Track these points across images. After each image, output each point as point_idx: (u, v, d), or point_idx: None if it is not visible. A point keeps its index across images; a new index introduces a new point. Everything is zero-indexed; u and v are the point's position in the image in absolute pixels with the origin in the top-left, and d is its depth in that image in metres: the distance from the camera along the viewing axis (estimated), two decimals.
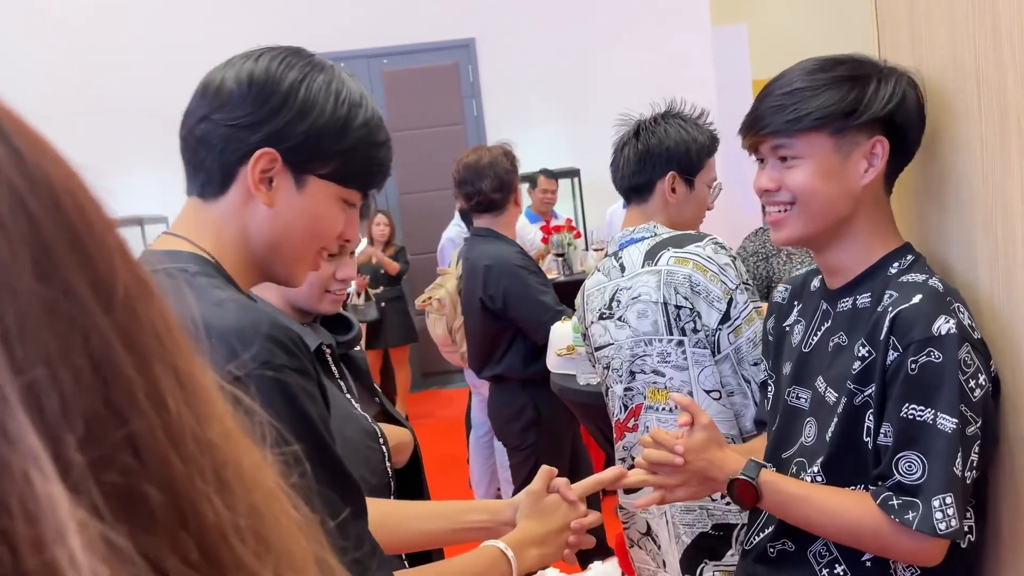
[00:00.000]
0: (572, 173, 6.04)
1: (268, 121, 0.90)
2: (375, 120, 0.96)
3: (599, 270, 1.83)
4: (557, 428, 2.78)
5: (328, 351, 1.40)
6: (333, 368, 1.39)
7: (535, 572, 1.21)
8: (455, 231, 4.81)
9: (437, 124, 6.39)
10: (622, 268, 1.75)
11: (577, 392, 2.49)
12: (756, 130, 1.19)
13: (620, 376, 1.73)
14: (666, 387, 1.66)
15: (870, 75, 1.16)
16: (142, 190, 5.54)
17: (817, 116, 1.13)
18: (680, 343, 1.64)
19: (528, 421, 2.76)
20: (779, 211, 1.21)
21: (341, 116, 0.92)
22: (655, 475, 1.26)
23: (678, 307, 1.63)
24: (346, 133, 0.93)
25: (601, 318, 1.77)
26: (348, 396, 1.39)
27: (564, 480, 1.18)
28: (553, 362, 2.64)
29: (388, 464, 1.36)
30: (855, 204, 1.17)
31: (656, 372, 1.68)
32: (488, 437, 3.67)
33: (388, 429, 1.48)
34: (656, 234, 1.73)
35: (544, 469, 1.18)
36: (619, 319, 1.72)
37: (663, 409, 1.68)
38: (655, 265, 1.67)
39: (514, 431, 2.83)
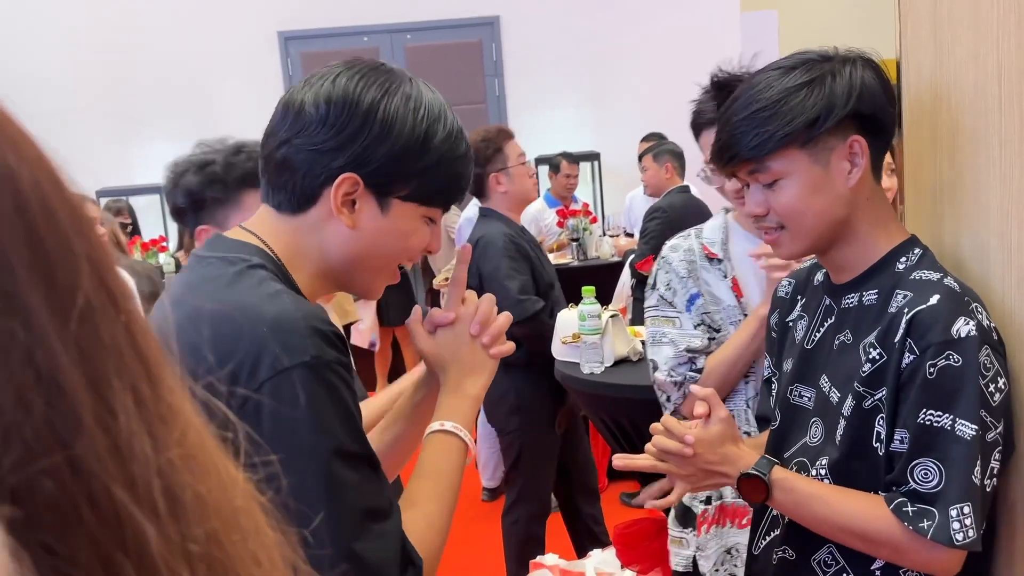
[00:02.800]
0: (592, 157, 6.00)
1: (349, 145, 0.90)
2: (455, 133, 0.96)
3: None
4: (541, 414, 2.75)
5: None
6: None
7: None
8: (473, 211, 4.79)
9: (459, 103, 6.35)
10: None
11: (581, 381, 2.47)
12: (725, 160, 1.17)
13: None
14: None
15: (824, 75, 1.11)
16: (163, 159, 5.56)
17: (782, 135, 1.10)
18: None
19: (510, 406, 2.75)
20: (772, 232, 1.19)
21: (421, 133, 0.92)
22: (663, 462, 1.24)
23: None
24: (427, 150, 0.93)
25: None
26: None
27: (435, 309, 1.08)
28: (558, 350, 2.63)
29: None
30: (849, 206, 1.14)
31: None
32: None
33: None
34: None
35: (413, 317, 1.07)
36: None
37: None
38: None
39: (499, 415, 2.83)
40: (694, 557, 1.63)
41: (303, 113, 0.90)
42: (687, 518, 1.65)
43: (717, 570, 1.61)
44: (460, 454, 1.01)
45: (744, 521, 1.58)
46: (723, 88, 1.54)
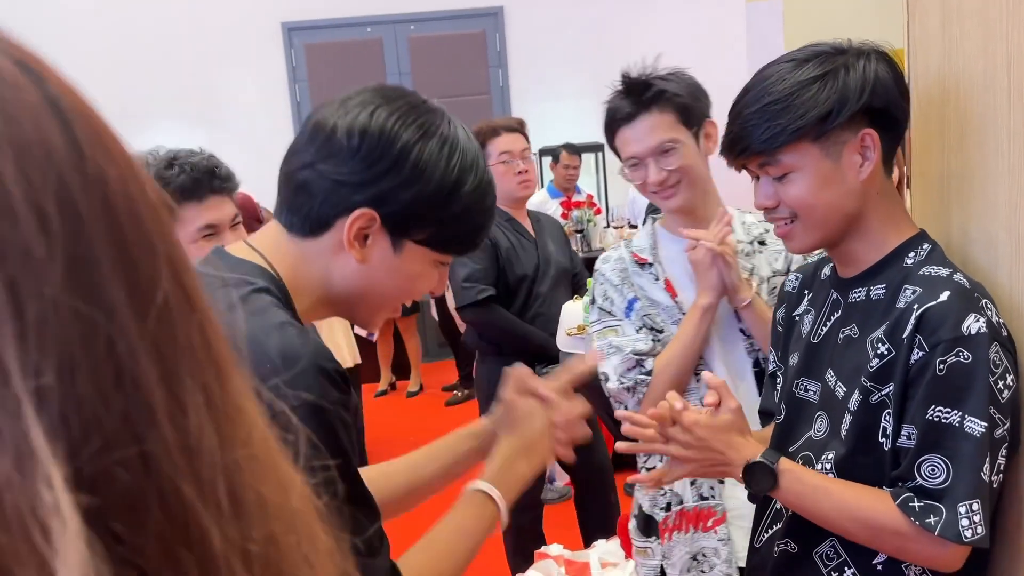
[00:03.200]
0: (596, 148, 5.98)
1: (375, 183, 0.87)
2: (484, 185, 0.92)
3: None
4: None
5: None
6: None
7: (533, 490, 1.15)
8: None
9: (462, 93, 6.34)
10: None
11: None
12: (736, 152, 1.16)
13: None
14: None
15: (837, 68, 1.10)
16: (169, 142, 5.55)
17: (793, 129, 1.09)
18: None
19: (485, 395, 2.76)
20: (783, 225, 1.18)
21: (450, 183, 0.89)
22: (667, 446, 1.24)
23: None
24: (453, 200, 0.90)
25: None
26: None
27: (535, 378, 1.11)
28: (563, 341, 2.64)
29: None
30: (860, 200, 1.14)
31: None
32: None
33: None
34: None
35: (510, 373, 1.11)
36: None
37: None
38: None
39: (482, 404, 2.86)
40: (661, 566, 1.63)
41: (333, 140, 0.87)
42: (649, 527, 1.65)
43: None
44: (491, 523, 1.00)
45: (710, 524, 1.58)
46: (634, 88, 1.55)
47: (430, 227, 0.90)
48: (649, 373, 1.59)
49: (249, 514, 0.31)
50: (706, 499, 1.59)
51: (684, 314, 1.60)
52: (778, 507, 1.26)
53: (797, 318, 1.32)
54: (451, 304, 3.49)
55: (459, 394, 5.43)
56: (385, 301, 0.95)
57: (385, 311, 0.98)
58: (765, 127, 1.11)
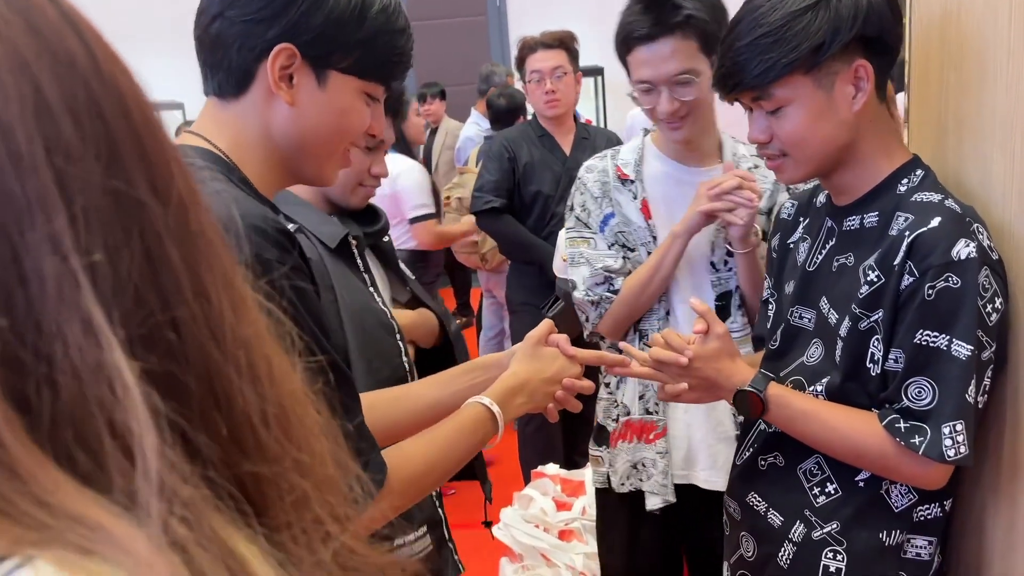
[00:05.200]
0: (596, 72, 5.87)
1: (283, 14, 0.87)
2: (392, 6, 0.94)
3: None
4: (534, 312, 2.79)
5: (354, 242, 1.43)
6: (358, 260, 1.44)
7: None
8: (473, 129, 4.72)
9: (459, 15, 6.19)
10: None
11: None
12: (729, 87, 1.14)
13: None
14: None
15: None
16: (157, 76, 5.43)
17: (786, 61, 1.07)
18: None
19: (497, 305, 2.92)
20: (774, 159, 1.17)
21: (357, 4, 0.90)
22: (660, 373, 1.26)
23: None
24: (364, 21, 0.91)
25: None
26: (371, 289, 1.43)
27: (564, 336, 1.18)
28: (559, 266, 2.65)
29: (405, 359, 1.41)
30: (853, 131, 1.12)
31: None
32: (498, 339, 3.71)
33: (416, 314, 1.53)
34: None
35: (545, 322, 1.18)
36: None
37: None
38: None
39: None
40: (607, 474, 1.68)
41: None
42: (601, 436, 1.69)
43: (623, 484, 1.65)
44: (487, 435, 1.05)
45: (652, 436, 1.62)
46: (657, 5, 1.45)
47: (350, 52, 0.91)
48: (616, 292, 1.59)
49: (263, 382, 0.35)
50: (651, 414, 1.63)
51: (655, 237, 1.59)
52: (763, 427, 1.29)
53: (792, 245, 1.32)
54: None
55: (457, 322, 5.47)
56: (325, 146, 0.94)
57: (332, 161, 0.97)
58: (757, 61, 1.09)
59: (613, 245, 1.61)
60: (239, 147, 0.92)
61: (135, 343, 0.31)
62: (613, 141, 2.84)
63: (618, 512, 1.70)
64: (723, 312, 1.55)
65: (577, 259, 1.63)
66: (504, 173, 2.77)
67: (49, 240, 0.29)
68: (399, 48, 0.95)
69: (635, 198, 1.60)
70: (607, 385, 1.69)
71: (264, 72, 0.89)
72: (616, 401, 1.66)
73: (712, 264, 1.59)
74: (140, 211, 0.32)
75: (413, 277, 1.63)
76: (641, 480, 1.64)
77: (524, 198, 2.79)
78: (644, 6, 1.46)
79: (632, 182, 1.61)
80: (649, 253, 1.59)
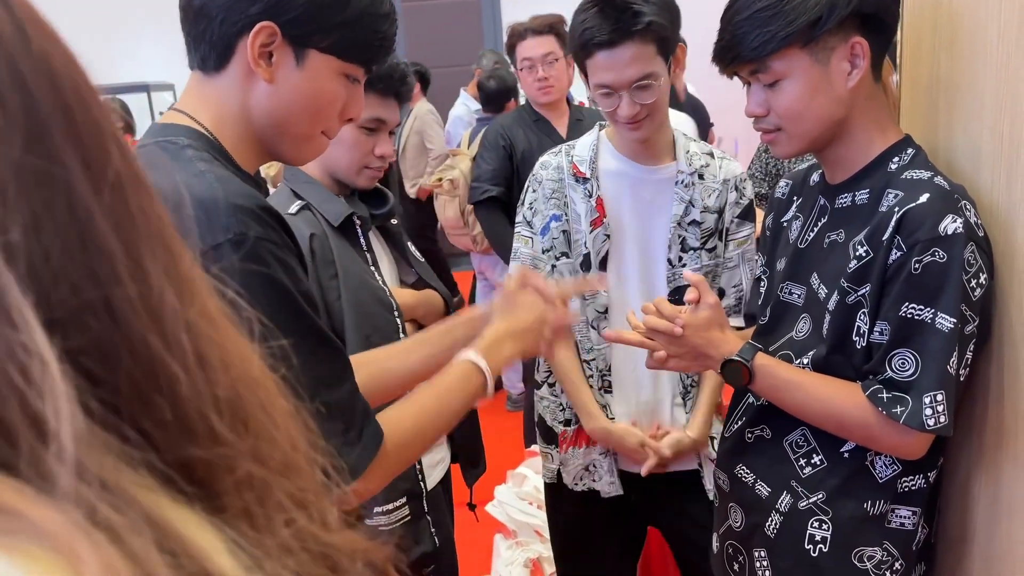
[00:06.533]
0: None
1: None
2: None
3: None
4: None
5: (358, 222, 1.45)
6: (361, 239, 1.45)
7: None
8: (462, 110, 4.72)
9: None
10: None
11: None
12: (727, 60, 1.16)
13: None
14: None
15: None
16: (149, 56, 5.42)
17: (784, 35, 1.09)
18: None
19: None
20: (770, 133, 1.19)
21: None
22: (651, 340, 1.28)
23: None
24: (347, 3, 0.91)
25: None
26: (372, 268, 1.45)
27: (540, 275, 1.19)
28: None
29: (402, 335, 1.43)
30: (847, 107, 1.14)
31: None
32: None
33: (420, 294, 1.56)
34: None
35: (519, 268, 1.17)
36: None
37: None
38: None
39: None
40: (558, 470, 1.73)
41: None
42: (550, 436, 1.74)
43: (576, 484, 1.70)
44: (476, 392, 1.03)
45: (595, 440, 1.67)
46: (615, 11, 1.43)
47: (330, 32, 0.91)
48: None
49: (213, 367, 0.34)
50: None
51: (608, 236, 1.59)
52: (750, 400, 1.31)
53: (785, 224, 1.34)
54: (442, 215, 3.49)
55: None
56: (302, 127, 0.94)
57: (309, 143, 0.97)
58: (755, 34, 1.10)
59: (549, 250, 1.63)
60: (221, 122, 0.92)
61: (63, 324, 0.29)
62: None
63: (570, 506, 1.74)
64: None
65: (516, 253, 1.67)
66: (501, 161, 2.77)
67: None
68: (381, 32, 0.95)
69: (590, 196, 1.61)
70: (551, 386, 1.72)
71: (244, 48, 0.89)
72: (562, 405, 1.70)
73: (668, 260, 1.61)
74: (67, 189, 0.30)
75: (422, 259, 1.65)
76: (594, 480, 1.69)
77: (524, 184, 2.79)
78: (601, 11, 1.45)
79: (587, 180, 1.61)
80: (595, 253, 1.59)
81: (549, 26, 2.74)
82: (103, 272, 0.31)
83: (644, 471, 1.60)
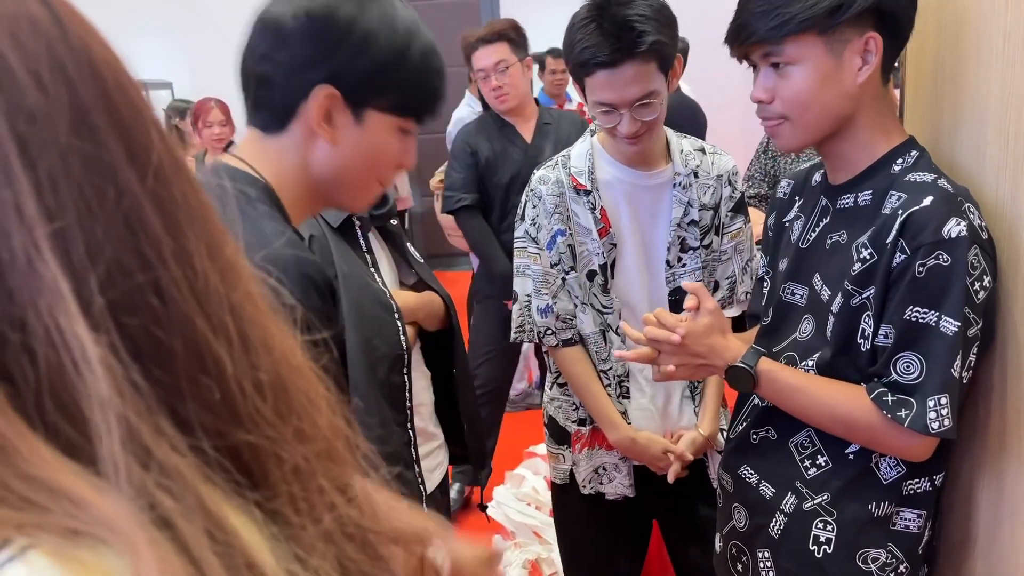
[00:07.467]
0: None
1: (327, 59, 0.90)
2: (430, 48, 0.97)
3: None
4: (499, 305, 2.82)
5: (358, 223, 1.45)
6: (360, 241, 1.45)
7: None
8: (465, 111, 4.70)
9: None
10: None
11: None
12: (742, 39, 1.15)
13: None
14: None
15: None
16: (148, 55, 5.41)
17: (803, 18, 1.09)
18: None
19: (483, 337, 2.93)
20: (773, 122, 1.18)
21: (398, 47, 0.93)
22: (653, 351, 1.28)
23: None
24: (404, 64, 0.94)
25: None
26: (372, 269, 1.45)
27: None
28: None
29: (402, 337, 1.43)
30: (854, 103, 1.14)
31: None
32: None
33: (420, 296, 1.56)
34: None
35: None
36: None
37: None
38: None
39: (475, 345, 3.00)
40: (571, 471, 1.73)
41: (282, 28, 0.90)
42: (562, 437, 1.73)
43: (584, 487, 1.71)
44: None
45: (610, 444, 1.68)
46: (615, 29, 1.40)
47: (388, 93, 0.94)
48: (571, 342, 1.65)
49: (256, 350, 0.35)
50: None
51: (614, 245, 1.59)
52: (755, 402, 1.31)
53: (787, 224, 1.34)
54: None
55: None
56: (360, 179, 0.98)
57: (366, 192, 1.01)
58: (775, 14, 1.10)
59: (557, 264, 1.62)
60: (280, 178, 0.96)
61: (116, 307, 0.30)
62: (577, 124, 2.83)
63: (580, 508, 1.75)
64: (675, 307, 1.58)
65: (523, 270, 1.66)
66: (468, 169, 2.76)
67: (14, 207, 0.29)
68: (436, 88, 0.99)
69: (593, 208, 1.60)
70: (562, 386, 1.71)
71: (305, 111, 0.92)
72: (575, 404, 1.70)
73: (667, 262, 1.61)
74: (114, 174, 0.31)
75: (422, 261, 1.65)
76: (602, 484, 1.70)
77: (488, 191, 2.78)
78: (601, 28, 1.41)
79: (588, 192, 1.60)
80: (604, 265, 1.60)
81: (498, 34, 2.69)
82: (152, 256, 0.32)
83: (671, 478, 1.62)
